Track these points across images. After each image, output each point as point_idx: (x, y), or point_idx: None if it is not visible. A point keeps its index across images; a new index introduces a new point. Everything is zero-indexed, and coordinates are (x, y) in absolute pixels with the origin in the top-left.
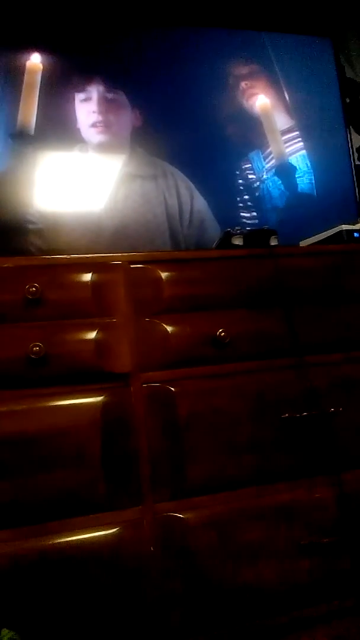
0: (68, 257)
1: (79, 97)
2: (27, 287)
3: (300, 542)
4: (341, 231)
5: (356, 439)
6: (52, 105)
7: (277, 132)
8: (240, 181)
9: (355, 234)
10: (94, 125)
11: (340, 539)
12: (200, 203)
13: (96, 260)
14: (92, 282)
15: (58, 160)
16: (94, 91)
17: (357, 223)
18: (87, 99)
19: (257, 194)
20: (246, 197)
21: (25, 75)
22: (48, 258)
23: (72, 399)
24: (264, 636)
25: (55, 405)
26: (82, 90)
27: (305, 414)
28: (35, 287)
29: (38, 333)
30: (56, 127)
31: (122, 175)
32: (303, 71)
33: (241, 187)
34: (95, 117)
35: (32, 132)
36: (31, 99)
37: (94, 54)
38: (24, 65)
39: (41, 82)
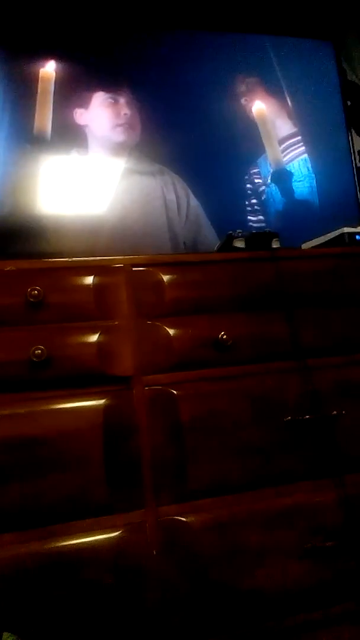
0: (70, 260)
1: (103, 98)
2: (29, 290)
3: (304, 545)
4: (343, 234)
5: (359, 442)
6: (59, 109)
7: (274, 138)
8: (249, 185)
9: (357, 237)
10: (120, 125)
11: (344, 543)
12: (195, 200)
13: (98, 263)
14: (94, 285)
15: (61, 162)
16: (122, 94)
17: (359, 226)
18: (113, 102)
19: (263, 197)
20: (254, 200)
21: (39, 82)
22: (50, 261)
23: (74, 402)
24: None
25: (58, 409)
26: (108, 92)
27: (307, 416)
28: (37, 290)
29: (40, 336)
30: (62, 130)
31: (123, 172)
32: (305, 75)
33: (249, 192)
34: (124, 119)
35: (49, 138)
36: (46, 106)
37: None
38: (37, 72)
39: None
